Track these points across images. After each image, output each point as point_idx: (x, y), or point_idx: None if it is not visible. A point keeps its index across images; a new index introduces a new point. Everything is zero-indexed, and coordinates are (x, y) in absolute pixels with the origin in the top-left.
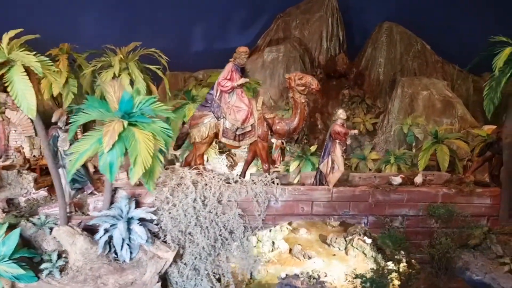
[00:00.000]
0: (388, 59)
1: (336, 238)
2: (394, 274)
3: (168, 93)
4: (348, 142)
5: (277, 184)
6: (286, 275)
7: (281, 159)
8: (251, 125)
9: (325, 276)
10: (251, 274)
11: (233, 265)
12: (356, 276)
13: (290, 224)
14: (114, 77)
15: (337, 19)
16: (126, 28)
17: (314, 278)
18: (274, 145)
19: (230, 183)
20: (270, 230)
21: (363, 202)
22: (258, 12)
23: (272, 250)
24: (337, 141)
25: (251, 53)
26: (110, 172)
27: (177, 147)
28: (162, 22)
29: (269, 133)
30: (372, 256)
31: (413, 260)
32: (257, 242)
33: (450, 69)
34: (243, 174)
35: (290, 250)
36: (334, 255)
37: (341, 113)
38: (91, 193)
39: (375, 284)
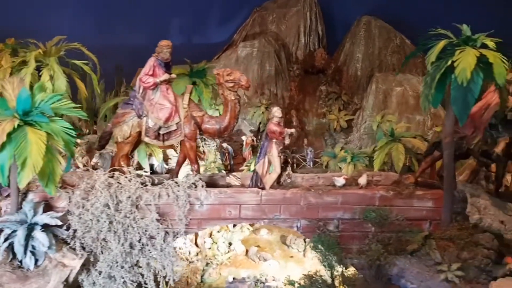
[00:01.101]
0: (366, 54)
1: (296, 239)
2: (328, 280)
3: (97, 90)
4: (287, 142)
5: (202, 186)
6: (234, 278)
7: (251, 157)
8: (176, 123)
9: (273, 280)
10: (201, 277)
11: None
12: (289, 282)
13: (252, 224)
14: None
15: (316, 13)
16: (102, 23)
17: (261, 282)
18: (244, 143)
19: (148, 186)
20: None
21: (295, 205)
22: (238, 5)
23: (228, 252)
24: (274, 140)
25: (226, 48)
26: (2, 175)
27: (100, 147)
28: (139, 17)
29: (198, 132)
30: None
31: (351, 266)
32: (212, 243)
33: None
34: (175, 175)
35: (247, 251)
36: (292, 257)
37: (276, 111)
38: (8, 196)
39: None
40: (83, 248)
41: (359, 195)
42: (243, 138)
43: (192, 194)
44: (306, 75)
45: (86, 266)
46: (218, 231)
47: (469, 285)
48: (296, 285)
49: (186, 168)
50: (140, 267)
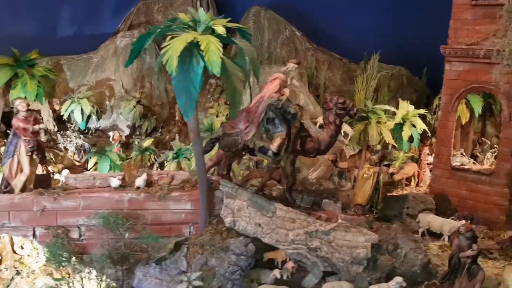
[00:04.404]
0: (255, 46)
1: None
2: None
3: None
4: (43, 139)
5: None
6: None
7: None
8: None
9: None
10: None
11: None
12: None
13: None
14: None
15: (208, 3)
16: None
17: None
18: (111, 139)
19: None
20: None
21: (27, 211)
22: None
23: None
24: (23, 137)
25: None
26: None
27: None
28: (25, 5)
29: None
30: None
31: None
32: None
33: (325, 57)
34: None
35: None
36: None
37: (18, 104)
38: None
39: None
40: None
41: (104, 198)
42: (110, 133)
43: None
44: None
45: None
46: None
47: None
48: None
49: None
50: None
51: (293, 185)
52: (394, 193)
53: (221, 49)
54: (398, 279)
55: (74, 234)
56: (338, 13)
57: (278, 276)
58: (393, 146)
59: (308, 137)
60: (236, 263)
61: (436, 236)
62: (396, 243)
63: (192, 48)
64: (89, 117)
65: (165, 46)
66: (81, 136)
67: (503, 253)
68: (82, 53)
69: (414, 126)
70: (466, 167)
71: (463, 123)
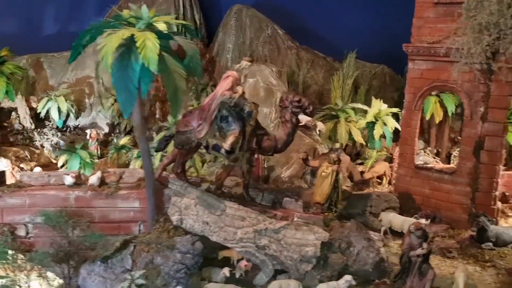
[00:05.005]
0: (237, 44)
1: None
2: None
3: None
4: None
5: None
6: None
7: (98, 152)
8: None
9: None
10: None
11: None
12: None
13: None
14: None
15: (190, 1)
16: None
17: None
18: (88, 136)
19: None
20: None
21: None
22: None
23: None
24: None
25: None
26: None
27: None
28: (5, 2)
29: None
30: None
31: None
32: None
33: (309, 56)
34: None
35: None
36: None
37: None
38: None
39: None
40: None
41: (50, 196)
42: (88, 131)
43: None
44: None
45: None
46: None
47: None
48: None
49: None
50: None
51: (250, 183)
52: (366, 192)
53: (157, 45)
54: (348, 277)
55: (21, 232)
56: (322, 12)
57: (228, 274)
58: (366, 145)
59: (264, 135)
60: (181, 262)
61: (399, 234)
62: (349, 241)
63: (131, 45)
64: (68, 115)
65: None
66: (59, 134)
67: (462, 252)
68: (63, 50)
69: (386, 125)
70: (429, 165)
71: (437, 122)
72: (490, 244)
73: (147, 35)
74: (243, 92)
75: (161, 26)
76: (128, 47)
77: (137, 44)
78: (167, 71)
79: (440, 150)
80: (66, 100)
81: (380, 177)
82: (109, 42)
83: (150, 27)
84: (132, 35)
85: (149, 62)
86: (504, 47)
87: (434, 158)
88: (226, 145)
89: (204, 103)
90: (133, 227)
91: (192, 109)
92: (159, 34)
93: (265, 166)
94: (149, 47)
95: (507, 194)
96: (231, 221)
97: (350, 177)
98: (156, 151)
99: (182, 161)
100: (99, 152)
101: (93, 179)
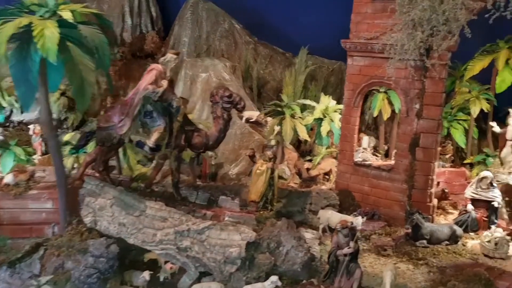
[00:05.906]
0: (193, 38)
1: None
2: None
3: None
4: None
5: None
6: None
7: (43, 148)
8: None
9: None
10: None
11: None
12: None
13: None
14: None
15: None
16: None
17: None
18: (31, 132)
19: None
20: None
21: None
22: None
23: None
24: None
25: None
26: None
27: None
28: None
29: None
30: None
31: None
32: None
33: (267, 51)
34: None
35: None
36: None
37: None
38: None
39: None
40: None
41: None
42: (31, 127)
43: None
44: (135, 59)
45: None
46: None
47: None
48: None
49: None
50: None
51: (179, 181)
52: (306, 189)
53: (57, 34)
54: (273, 278)
55: None
56: (280, 7)
57: (148, 278)
58: (314, 141)
59: (194, 132)
60: (93, 266)
61: None
62: (279, 240)
63: (30, 35)
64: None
65: None
66: (0, 129)
67: (396, 250)
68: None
69: (333, 121)
70: (367, 162)
71: (385, 119)
72: (424, 241)
73: (46, 23)
74: (170, 86)
75: (66, 15)
76: (27, 37)
77: (34, 33)
78: (72, 62)
79: (389, 147)
80: (9, 95)
81: (327, 174)
82: (3, 31)
83: (54, 15)
84: (30, 23)
85: (48, 52)
86: (437, 43)
87: (373, 155)
88: (150, 141)
89: (127, 97)
90: (46, 229)
91: (114, 103)
92: (61, 23)
93: (213, 163)
94: (48, 36)
95: (446, 191)
96: (150, 222)
97: (299, 174)
98: (76, 148)
99: (104, 159)
100: (43, 148)
101: (9, 178)
